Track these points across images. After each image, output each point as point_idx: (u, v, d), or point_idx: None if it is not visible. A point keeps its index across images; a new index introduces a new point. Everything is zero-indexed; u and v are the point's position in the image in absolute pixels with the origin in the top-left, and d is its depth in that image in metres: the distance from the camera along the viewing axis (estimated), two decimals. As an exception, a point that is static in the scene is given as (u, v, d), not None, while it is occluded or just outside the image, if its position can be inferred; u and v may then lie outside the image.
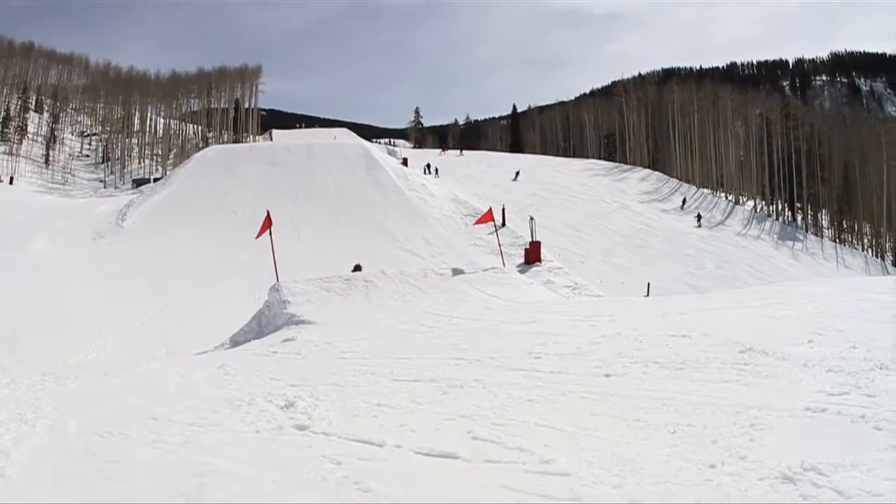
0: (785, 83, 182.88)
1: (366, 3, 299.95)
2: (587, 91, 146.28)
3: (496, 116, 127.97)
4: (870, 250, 65.03)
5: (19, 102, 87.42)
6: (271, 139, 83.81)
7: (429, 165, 51.30)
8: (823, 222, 68.41)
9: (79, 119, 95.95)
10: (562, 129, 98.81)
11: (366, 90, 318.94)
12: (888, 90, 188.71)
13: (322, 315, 12.71)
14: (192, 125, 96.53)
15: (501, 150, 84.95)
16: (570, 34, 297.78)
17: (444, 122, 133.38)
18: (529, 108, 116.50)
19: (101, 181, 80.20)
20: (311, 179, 40.00)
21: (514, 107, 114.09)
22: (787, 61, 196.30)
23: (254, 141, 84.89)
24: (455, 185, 43.63)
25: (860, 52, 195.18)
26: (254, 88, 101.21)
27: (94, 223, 35.37)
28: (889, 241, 66.22)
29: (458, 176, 49.28)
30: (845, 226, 69.69)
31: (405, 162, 52.00)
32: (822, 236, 61.18)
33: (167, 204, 37.31)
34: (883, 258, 61.39)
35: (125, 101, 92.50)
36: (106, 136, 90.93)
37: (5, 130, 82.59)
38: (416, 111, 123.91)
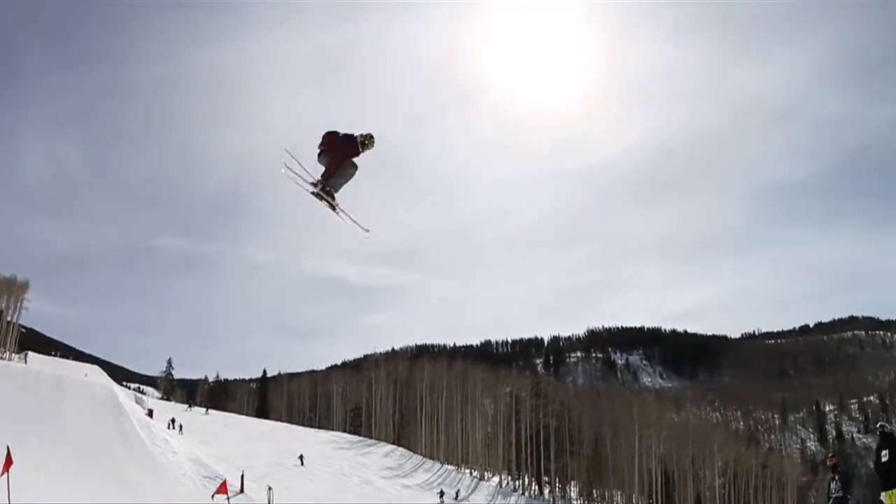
0: (539, 361, 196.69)
1: (136, 242, 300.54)
2: (338, 362, 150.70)
3: (246, 378, 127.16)
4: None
5: None
6: (25, 362, 79.88)
7: (174, 420, 51.36)
8: (572, 494, 71.50)
9: None
10: (309, 399, 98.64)
11: (124, 330, 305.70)
12: (644, 362, 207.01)
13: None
14: None
15: (249, 413, 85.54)
16: (328, 304, 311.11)
17: (195, 377, 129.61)
18: (279, 374, 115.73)
19: None
20: (58, 415, 38.52)
21: (265, 371, 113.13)
22: (542, 339, 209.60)
23: (9, 359, 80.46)
24: (198, 445, 44.22)
25: (616, 328, 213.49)
26: (19, 303, 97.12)
27: None
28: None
29: (203, 435, 49.69)
30: (595, 495, 72.75)
31: (150, 413, 51.79)
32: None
33: None
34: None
35: None
36: None
37: None
38: (169, 362, 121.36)
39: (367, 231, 9.10)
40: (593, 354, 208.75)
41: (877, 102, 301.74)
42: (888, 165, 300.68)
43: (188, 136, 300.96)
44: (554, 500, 68.38)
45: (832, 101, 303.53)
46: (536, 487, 72.40)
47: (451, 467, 67.04)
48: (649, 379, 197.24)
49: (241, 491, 34.64)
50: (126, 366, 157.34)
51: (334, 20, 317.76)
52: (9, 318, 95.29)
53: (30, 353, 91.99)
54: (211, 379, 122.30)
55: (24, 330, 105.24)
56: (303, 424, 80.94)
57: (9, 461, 16.93)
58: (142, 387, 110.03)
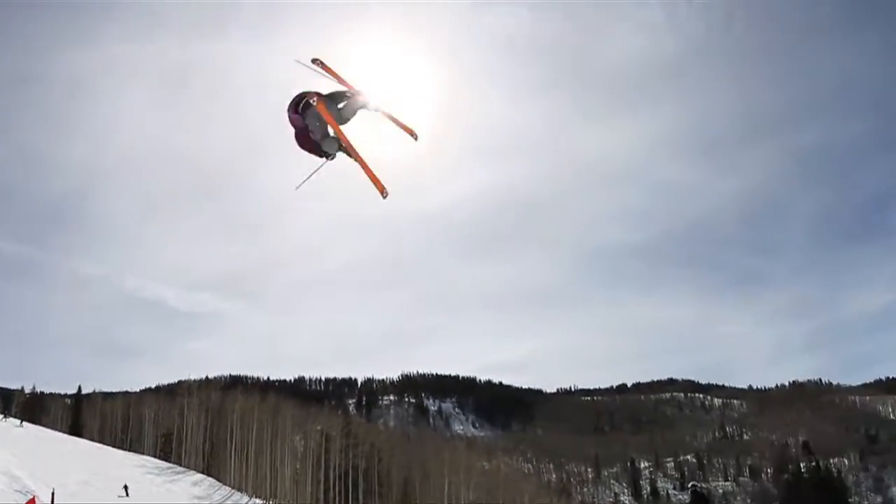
0: (351, 401, 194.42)
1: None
2: (153, 385, 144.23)
3: (62, 393, 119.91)
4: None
5: None
6: None
7: None
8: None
9: None
10: (122, 420, 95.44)
11: None
12: (456, 409, 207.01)
13: None
14: None
15: (62, 429, 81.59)
16: (148, 325, 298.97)
17: (13, 387, 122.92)
18: (94, 392, 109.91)
19: None
20: None
21: (80, 388, 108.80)
22: (355, 379, 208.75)
23: None
24: (10, 458, 42.89)
25: (431, 374, 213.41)
26: None
27: None
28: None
29: (16, 449, 47.96)
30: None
31: None
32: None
33: None
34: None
35: None
36: None
37: None
38: None
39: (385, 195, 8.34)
40: (406, 399, 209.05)
41: (719, 175, 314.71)
42: (723, 237, 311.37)
43: (35, 138, 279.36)
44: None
45: (674, 169, 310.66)
46: None
47: (259, 501, 66.68)
48: (461, 427, 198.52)
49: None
50: None
51: (190, 34, 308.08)
52: None
53: None
54: (27, 390, 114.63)
55: None
56: (114, 446, 77.04)
57: None
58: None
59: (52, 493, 35.32)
